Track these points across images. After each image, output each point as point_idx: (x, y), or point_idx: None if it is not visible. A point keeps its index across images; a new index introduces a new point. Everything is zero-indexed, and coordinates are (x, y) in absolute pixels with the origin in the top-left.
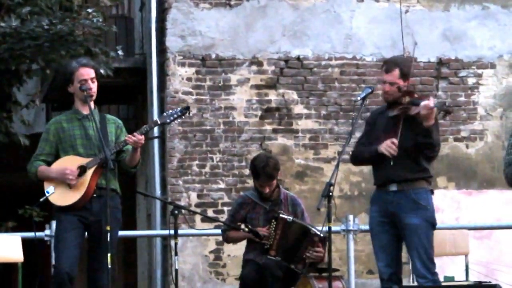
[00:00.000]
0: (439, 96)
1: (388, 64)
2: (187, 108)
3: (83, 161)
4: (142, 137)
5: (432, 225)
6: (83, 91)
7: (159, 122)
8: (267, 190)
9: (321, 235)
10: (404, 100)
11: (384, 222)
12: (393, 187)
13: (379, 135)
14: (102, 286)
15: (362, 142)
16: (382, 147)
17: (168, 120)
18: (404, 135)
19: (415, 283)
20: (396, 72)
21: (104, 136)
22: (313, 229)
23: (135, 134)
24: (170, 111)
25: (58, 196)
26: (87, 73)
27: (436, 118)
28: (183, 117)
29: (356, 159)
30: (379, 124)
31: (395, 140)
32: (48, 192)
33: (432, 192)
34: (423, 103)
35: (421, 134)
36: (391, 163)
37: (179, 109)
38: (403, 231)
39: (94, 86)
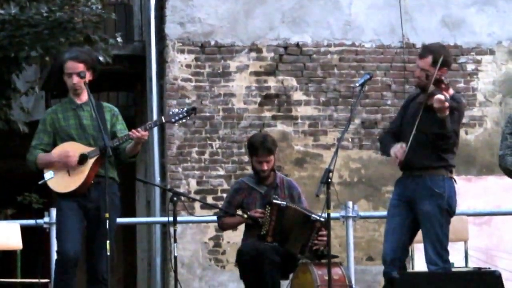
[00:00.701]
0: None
1: (423, 50)
2: (194, 109)
3: (84, 149)
4: (146, 133)
5: (448, 212)
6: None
7: (164, 121)
8: (266, 167)
9: (322, 219)
10: (430, 89)
11: (399, 205)
12: (414, 172)
13: (408, 119)
14: (101, 272)
15: (389, 130)
16: (392, 150)
17: (173, 120)
18: (425, 123)
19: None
20: (429, 59)
21: (103, 124)
22: (313, 215)
23: (139, 129)
24: (176, 110)
25: (58, 182)
26: (73, 67)
27: (454, 110)
28: (189, 117)
29: (380, 145)
30: (410, 109)
31: (404, 146)
32: (45, 177)
33: (453, 180)
34: (436, 96)
35: (436, 124)
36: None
37: (185, 109)
38: (418, 217)
39: (77, 80)
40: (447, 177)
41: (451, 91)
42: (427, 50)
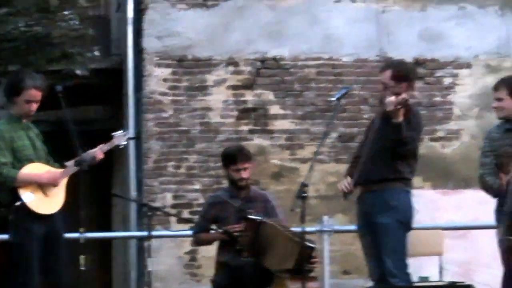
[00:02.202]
0: (415, 96)
1: (383, 65)
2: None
3: (53, 168)
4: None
5: (405, 225)
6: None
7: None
8: (244, 175)
9: (312, 245)
10: (386, 101)
11: (365, 223)
12: (370, 187)
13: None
14: None
15: (355, 155)
16: (340, 184)
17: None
18: (381, 134)
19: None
20: (388, 72)
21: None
22: (306, 243)
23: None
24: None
25: (38, 203)
26: (35, 95)
27: (410, 115)
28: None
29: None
30: (373, 125)
31: (350, 180)
32: (25, 199)
33: (409, 193)
34: (387, 99)
35: (391, 130)
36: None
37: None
38: (376, 231)
39: (35, 108)
40: (402, 190)
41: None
42: (387, 64)
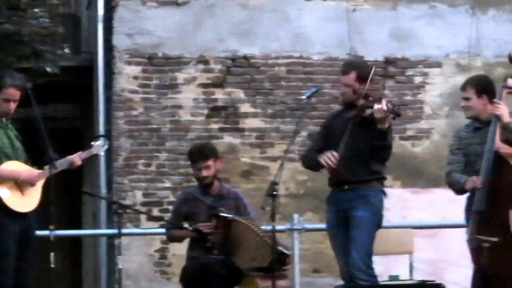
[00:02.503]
0: (385, 95)
1: (345, 67)
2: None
3: (30, 167)
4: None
5: (377, 222)
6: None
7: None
8: (205, 173)
9: (287, 252)
10: (358, 103)
11: (339, 222)
12: (346, 187)
13: (336, 136)
14: None
15: (311, 149)
16: (321, 157)
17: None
18: (358, 137)
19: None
20: (353, 74)
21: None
22: (281, 248)
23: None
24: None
25: (14, 201)
26: (14, 94)
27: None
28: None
29: (304, 163)
30: (335, 126)
31: (335, 153)
32: (1, 194)
33: (384, 193)
34: (376, 106)
35: (376, 136)
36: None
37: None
38: (349, 223)
39: (14, 107)
40: (379, 189)
41: (384, 102)
42: (349, 66)
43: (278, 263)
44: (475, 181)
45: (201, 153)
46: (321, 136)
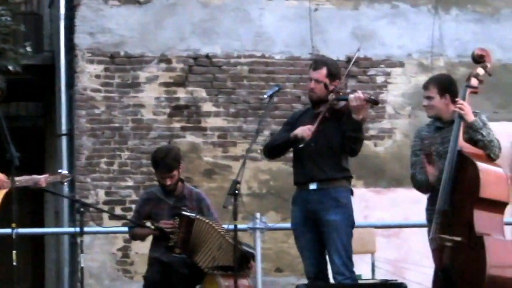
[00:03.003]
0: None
1: (316, 63)
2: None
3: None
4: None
5: (352, 224)
6: None
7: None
8: (168, 182)
9: (251, 251)
10: (330, 98)
11: (306, 221)
12: (314, 186)
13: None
14: None
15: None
16: (296, 130)
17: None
18: (329, 133)
19: None
20: (324, 70)
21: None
22: (245, 248)
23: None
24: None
25: None
26: None
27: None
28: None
29: (267, 148)
30: (302, 122)
31: (311, 127)
32: None
33: (351, 192)
34: (352, 95)
35: (350, 128)
36: (304, 149)
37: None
38: (323, 228)
39: None
40: (348, 188)
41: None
42: (320, 62)
43: (243, 262)
44: (426, 161)
45: (165, 165)
46: (284, 130)
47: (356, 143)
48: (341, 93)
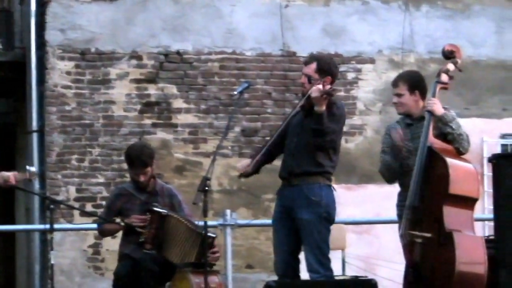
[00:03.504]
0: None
1: (308, 57)
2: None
3: None
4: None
5: (327, 220)
6: None
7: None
8: (142, 179)
9: (213, 235)
10: (309, 92)
11: (282, 217)
12: (291, 181)
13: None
14: None
15: (269, 147)
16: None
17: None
18: (303, 128)
19: None
20: (313, 65)
21: None
22: (209, 233)
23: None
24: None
25: None
26: None
27: (334, 108)
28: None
29: None
30: (292, 121)
31: (248, 161)
32: None
33: (331, 188)
34: (313, 87)
35: (312, 119)
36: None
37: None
38: (297, 226)
39: None
40: (324, 184)
41: (337, 101)
42: (313, 57)
43: (206, 247)
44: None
45: (140, 162)
46: (279, 131)
47: (319, 135)
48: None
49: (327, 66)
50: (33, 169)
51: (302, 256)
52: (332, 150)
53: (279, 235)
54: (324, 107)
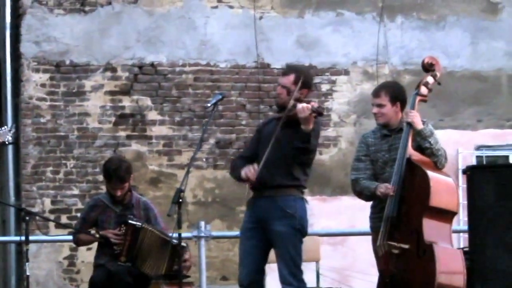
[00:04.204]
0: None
1: (286, 68)
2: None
3: None
4: None
5: (300, 232)
6: None
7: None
8: (119, 193)
9: (184, 245)
10: (289, 104)
11: (252, 228)
12: (265, 193)
13: (266, 140)
14: None
15: (241, 155)
16: (243, 171)
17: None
18: (282, 140)
19: None
20: (291, 77)
21: None
22: (176, 241)
23: None
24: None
25: None
26: None
27: (315, 123)
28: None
29: (231, 175)
30: (267, 130)
31: (256, 166)
32: None
33: (304, 200)
34: (300, 105)
35: (299, 138)
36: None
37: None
38: (271, 237)
39: None
40: (298, 197)
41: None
42: (290, 68)
43: (176, 256)
44: (387, 187)
45: (118, 178)
46: (253, 141)
47: (305, 153)
48: (302, 101)
49: (305, 79)
50: (3, 128)
51: (268, 267)
52: (308, 165)
53: (247, 246)
54: (312, 126)
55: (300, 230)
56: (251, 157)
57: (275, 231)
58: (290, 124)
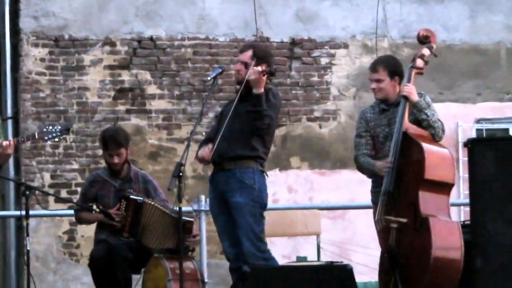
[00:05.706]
0: (292, 76)
1: (243, 46)
2: (68, 129)
3: None
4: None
5: (260, 205)
6: None
7: (36, 137)
8: (116, 160)
9: (191, 220)
10: (247, 76)
11: (217, 203)
12: (224, 166)
13: (225, 117)
14: None
15: (206, 138)
16: (199, 152)
17: (46, 138)
18: (241, 112)
19: None
20: (249, 52)
21: None
22: (184, 218)
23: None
24: (51, 127)
25: None
26: None
27: (270, 94)
28: (61, 137)
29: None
30: (228, 109)
31: (211, 146)
32: None
33: (263, 174)
34: (250, 70)
35: (251, 103)
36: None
37: (59, 128)
38: (231, 210)
39: None
40: (257, 169)
41: (271, 87)
42: (248, 45)
43: (184, 231)
44: (383, 165)
45: (114, 141)
46: (215, 122)
47: (258, 117)
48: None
49: (262, 54)
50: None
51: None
52: (267, 136)
53: (219, 221)
54: (262, 89)
55: (259, 202)
56: (214, 138)
57: (234, 202)
58: (247, 96)
